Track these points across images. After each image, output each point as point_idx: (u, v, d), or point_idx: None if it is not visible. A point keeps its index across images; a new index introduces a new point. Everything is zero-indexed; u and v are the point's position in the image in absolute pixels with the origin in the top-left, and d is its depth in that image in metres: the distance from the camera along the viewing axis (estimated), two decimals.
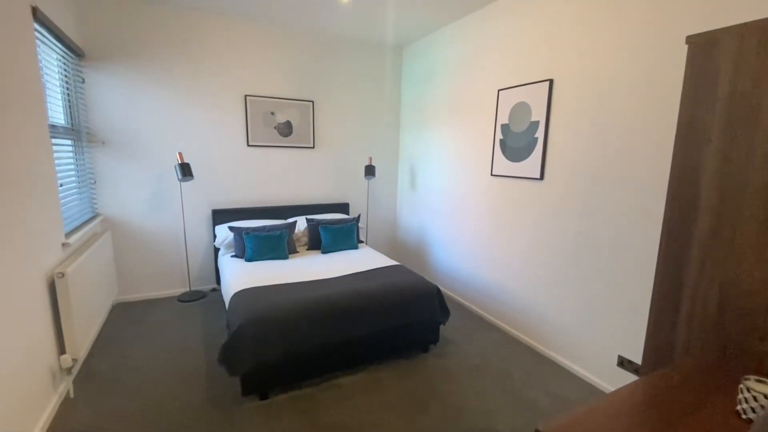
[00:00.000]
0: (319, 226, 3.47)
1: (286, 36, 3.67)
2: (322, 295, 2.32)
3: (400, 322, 2.46)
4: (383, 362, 2.52)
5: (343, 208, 4.21)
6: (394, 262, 3.03)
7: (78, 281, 2.23)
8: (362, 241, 3.81)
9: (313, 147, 4.00)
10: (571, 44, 2.38)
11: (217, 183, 3.63)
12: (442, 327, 2.93)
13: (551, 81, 2.52)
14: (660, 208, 1.95)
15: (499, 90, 2.95)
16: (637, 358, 2.10)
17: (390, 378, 2.36)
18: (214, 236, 3.55)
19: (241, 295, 2.32)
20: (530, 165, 2.70)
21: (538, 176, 2.64)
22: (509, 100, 2.86)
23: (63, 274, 2.05)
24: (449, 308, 2.70)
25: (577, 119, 2.37)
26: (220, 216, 3.60)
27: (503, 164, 2.95)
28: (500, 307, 3.09)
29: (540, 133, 2.61)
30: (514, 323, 2.96)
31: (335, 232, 3.46)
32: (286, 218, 3.86)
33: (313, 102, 3.90)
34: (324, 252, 3.41)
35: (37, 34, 2.12)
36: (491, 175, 3.08)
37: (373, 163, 4.22)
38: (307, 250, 3.53)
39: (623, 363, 2.18)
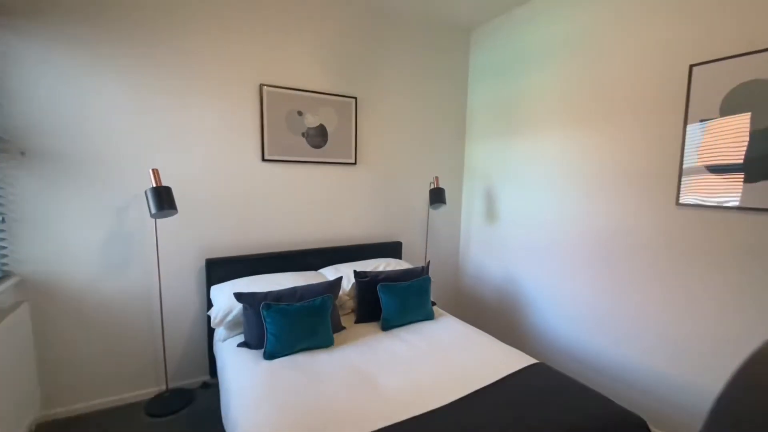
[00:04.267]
0: (378, 285, 2.19)
1: (319, 7, 2.51)
2: None
3: None
4: None
5: (394, 249, 2.94)
6: (530, 360, 1.76)
7: None
8: (434, 303, 2.52)
9: (355, 163, 2.77)
10: None
11: (214, 218, 2.35)
12: None
13: None
14: None
15: (691, 66, 1.79)
16: None
17: None
18: (209, 304, 2.24)
19: None
20: None
21: None
22: (722, 80, 1.70)
23: None
24: None
25: None
26: (217, 269, 2.29)
27: (708, 186, 1.75)
28: (687, 420, 1.81)
29: None
30: None
31: (402, 292, 2.19)
32: (315, 268, 2.58)
33: (356, 99, 2.71)
34: (385, 328, 2.13)
35: None
36: (677, 204, 1.87)
37: (440, 185, 2.97)
38: (356, 322, 2.24)
39: None
